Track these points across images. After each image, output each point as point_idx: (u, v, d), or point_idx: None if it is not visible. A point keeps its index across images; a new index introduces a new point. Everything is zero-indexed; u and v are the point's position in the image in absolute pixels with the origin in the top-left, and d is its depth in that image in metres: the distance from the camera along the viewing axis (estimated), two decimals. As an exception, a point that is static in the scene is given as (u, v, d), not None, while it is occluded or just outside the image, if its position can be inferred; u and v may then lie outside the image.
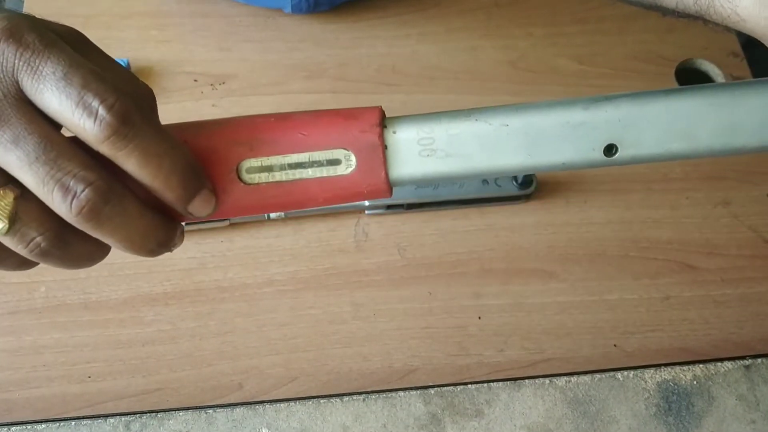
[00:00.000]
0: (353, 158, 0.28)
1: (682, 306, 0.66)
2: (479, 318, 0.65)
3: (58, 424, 0.59)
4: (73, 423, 0.59)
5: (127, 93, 0.25)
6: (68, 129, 0.25)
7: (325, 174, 0.28)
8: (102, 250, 0.29)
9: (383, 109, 0.29)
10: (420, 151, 0.27)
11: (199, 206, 0.28)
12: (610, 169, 0.73)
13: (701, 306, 0.67)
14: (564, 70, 0.80)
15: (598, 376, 0.64)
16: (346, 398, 0.61)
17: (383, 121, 0.28)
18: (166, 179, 0.26)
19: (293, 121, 0.30)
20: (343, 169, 0.28)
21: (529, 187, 0.69)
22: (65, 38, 0.27)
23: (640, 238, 0.70)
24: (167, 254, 0.66)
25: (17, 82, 0.25)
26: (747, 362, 0.65)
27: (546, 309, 0.65)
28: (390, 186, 0.28)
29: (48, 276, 0.65)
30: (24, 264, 0.28)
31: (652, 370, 0.64)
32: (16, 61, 0.24)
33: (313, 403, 0.61)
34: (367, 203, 0.67)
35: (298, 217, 0.69)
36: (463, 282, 0.66)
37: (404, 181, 0.29)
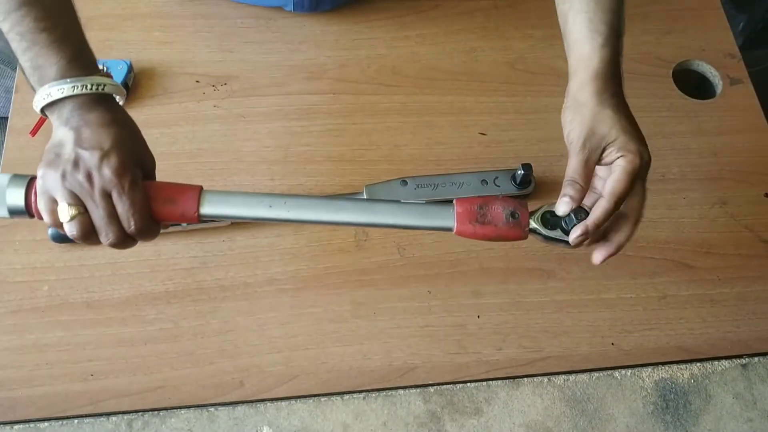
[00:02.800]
0: None
1: (679, 305, 0.67)
2: (478, 317, 0.65)
3: (60, 422, 0.60)
4: (75, 421, 0.60)
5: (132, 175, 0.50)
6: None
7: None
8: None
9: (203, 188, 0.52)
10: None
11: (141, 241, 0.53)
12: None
13: (698, 305, 0.67)
14: (562, 72, 0.79)
15: (596, 374, 0.64)
16: (346, 396, 0.62)
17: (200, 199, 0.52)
18: (130, 227, 0.50)
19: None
20: None
21: (528, 186, 0.69)
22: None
23: (637, 237, 0.69)
24: (169, 253, 0.67)
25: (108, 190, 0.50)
26: (744, 361, 0.66)
27: (544, 308, 0.66)
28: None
29: (51, 275, 0.65)
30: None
31: (649, 369, 0.65)
32: (118, 183, 0.49)
33: (313, 401, 0.61)
34: None
35: (299, 216, 0.69)
36: (462, 281, 0.67)
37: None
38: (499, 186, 0.69)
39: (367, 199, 0.54)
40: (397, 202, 0.54)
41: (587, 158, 0.52)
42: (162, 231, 0.65)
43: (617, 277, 0.68)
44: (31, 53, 0.50)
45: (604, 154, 0.52)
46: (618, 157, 0.51)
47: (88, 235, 0.50)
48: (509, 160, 0.73)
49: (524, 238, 0.53)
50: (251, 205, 0.52)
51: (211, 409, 0.61)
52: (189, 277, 0.66)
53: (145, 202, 0.51)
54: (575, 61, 0.55)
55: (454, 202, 0.53)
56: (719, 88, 0.81)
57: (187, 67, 0.78)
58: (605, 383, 0.64)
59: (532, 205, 0.71)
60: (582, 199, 0.52)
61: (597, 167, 0.53)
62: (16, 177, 0.51)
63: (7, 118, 0.74)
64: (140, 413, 0.60)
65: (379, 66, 0.80)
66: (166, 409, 0.60)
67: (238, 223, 0.68)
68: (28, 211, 0.51)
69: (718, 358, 0.65)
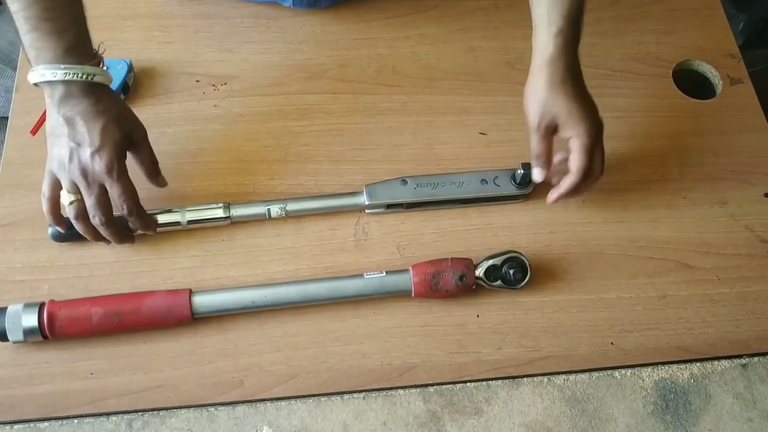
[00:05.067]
0: None
1: (678, 305, 0.67)
2: (477, 316, 0.65)
3: (60, 422, 0.60)
4: (75, 421, 0.60)
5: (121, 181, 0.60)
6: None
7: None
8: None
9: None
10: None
11: (140, 229, 0.65)
12: (608, 168, 0.73)
13: (698, 305, 0.67)
14: (562, 72, 0.81)
15: (595, 374, 0.64)
16: (346, 396, 0.62)
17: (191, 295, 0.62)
18: (123, 209, 0.62)
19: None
20: None
21: (528, 186, 0.69)
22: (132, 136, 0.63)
23: (637, 237, 0.70)
24: (169, 252, 0.67)
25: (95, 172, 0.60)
26: (744, 361, 0.66)
27: (544, 307, 0.66)
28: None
29: (51, 274, 0.65)
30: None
31: (649, 369, 0.65)
32: (108, 176, 0.60)
33: (313, 401, 0.61)
34: (366, 202, 0.68)
35: (299, 216, 0.69)
36: (462, 281, 0.67)
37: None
38: (499, 185, 0.69)
39: (336, 278, 0.64)
40: (361, 276, 0.63)
41: (543, 135, 0.64)
42: (161, 230, 0.66)
43: (617, 276, 0.68)
44: (33, 36, 0.56)
45: (559, 131, 0.64)
46: (570, 137, 0.63)
47: (83, 216, 0.61)
48: (509, 160, 0.73)
49: (470, 292, 0.65)
50: (237, 300, 0.62)
51: (211, 409, 0.61)
52: (189, 276, 0.66)
53: (132, 188, 0.61)
54: (535, 45, 0.63)
55: (410, 269, 0.63)
56: (719, 88, 0.81)
57: (187, 66, 0.78)
58: (605, 383, 0.64)
59: (530, 205, 0.72)
60: (549, 166, 0.66)
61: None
62: (27, 305, 0.60)
63: (7, 117, 0.74)
64: (140, 413, 0.60)
65: (380, 66, 0.80)
66: (165, 408, 0.60)
67: (237, 222, 0.68)
68: (41, 331, 0.59)
69: (718, 358, 0.65)
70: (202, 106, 0.76)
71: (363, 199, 0.68)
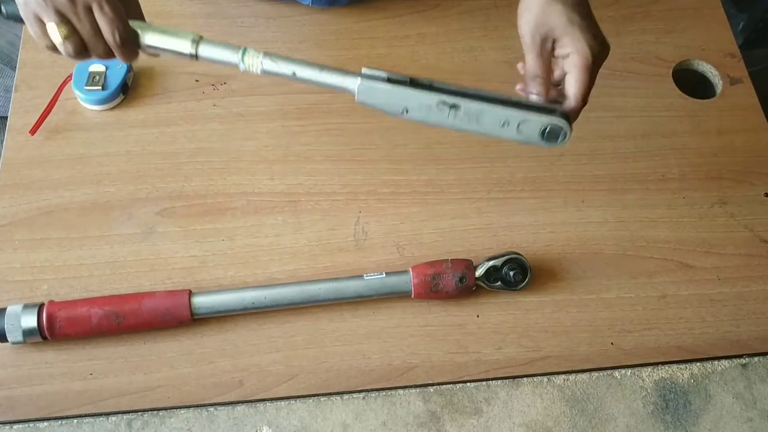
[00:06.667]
0: None
1: (678, 304, 0.67)
2: (477, 316, 0.65)
3: (60, 422, 0.59)
4: (75, 421, 0.60)
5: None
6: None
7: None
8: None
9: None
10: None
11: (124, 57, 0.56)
12: (608, 168, 0.74)
13: (698, 304, 0.67)
14: (562, 71, 0.81)
15: (595, 374, 0.64)
16: (346, 396, 0.62)
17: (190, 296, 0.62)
18: (115, 38, 0.53)
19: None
20: None
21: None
22: None
23: (637, 237, 0.70)
24: (169, 252, 0.67)
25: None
26: (744, 361, 0.66)
27: (544, 307, 0.66)
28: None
29: (50, 274, 0.65)
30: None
31: (649, 369, 0.65)
32: None
33: (313, 401, 0.61)
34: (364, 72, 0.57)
35: (299, 214, 0.69)
36: (462, 281, 0.67)
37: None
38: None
39: (336, 279, 0.64)
40: (361, 277, 0.63)
41: (539, 51, 0.54)
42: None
43: (617, 276, 0.68)
44: None
45: (556, 47, 0.53)
46: (569, 53, 0.53)
47: (82, 52, 0.54)
48: (509, 159, 0.73)
49: (470, 293, 0.64)
50: (237, 302, 0.62)
51: (211, 408, 0.60)
52: (188, 277, 0.66)
53: (123, 13, 0.53)
54: None
55: (410, 271, 0.63)
56: (719, 88, 0.81)
57: (186, 66, 0.78)
58: (605, 383, 0.64)
59: (530, 205, 0.72)
60: (548, 90, 0.55)
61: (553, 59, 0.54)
62: (26, 306, 0.60)
63: (6, 117, 0.74)
64: (140, 413, 0.60)
65: (379, 65, 0.79)
66: (165, 408, 0.60)
67: (237, 222, 0.68)
68: (41, 332, 0.59)
69: (718, 358, 0.65)
70: (202, 106, 0.76)
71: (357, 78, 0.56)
